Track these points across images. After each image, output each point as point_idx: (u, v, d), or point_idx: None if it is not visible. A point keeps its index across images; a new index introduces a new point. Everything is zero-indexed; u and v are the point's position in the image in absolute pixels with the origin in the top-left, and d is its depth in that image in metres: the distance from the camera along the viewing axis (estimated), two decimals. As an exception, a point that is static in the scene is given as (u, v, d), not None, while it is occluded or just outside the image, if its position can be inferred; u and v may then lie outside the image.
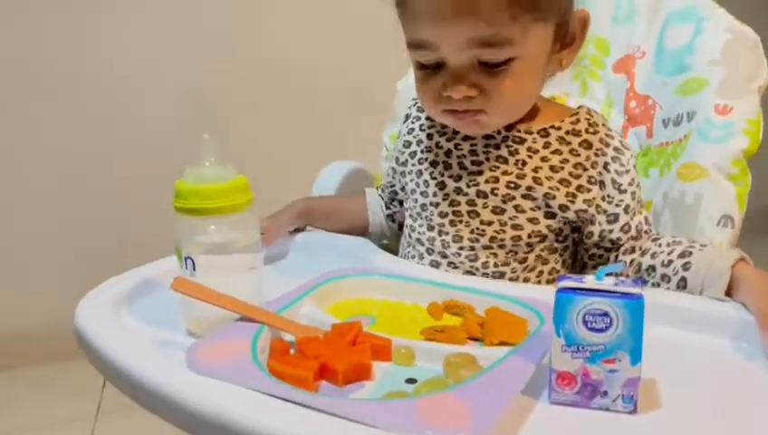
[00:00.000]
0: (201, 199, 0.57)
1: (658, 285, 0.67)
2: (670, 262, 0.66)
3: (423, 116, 0.77)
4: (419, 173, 0.75)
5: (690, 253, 0.65)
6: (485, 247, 0.70)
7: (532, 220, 0.69)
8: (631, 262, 0.69)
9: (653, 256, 0.68)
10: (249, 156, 1.61)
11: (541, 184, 0.68)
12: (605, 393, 0.45)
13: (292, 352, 0.52)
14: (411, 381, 0.49)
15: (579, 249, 0.73)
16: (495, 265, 0.70)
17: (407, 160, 0.77)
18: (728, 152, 0.72)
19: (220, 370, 0.47)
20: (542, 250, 0.70)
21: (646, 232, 0.71)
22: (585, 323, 0.44)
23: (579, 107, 0.72)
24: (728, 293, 0.60)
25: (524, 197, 0.68)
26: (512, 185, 0.68)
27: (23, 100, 1.65)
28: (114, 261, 0.74)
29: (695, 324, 0.57)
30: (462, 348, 0.52)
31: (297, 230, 0.84)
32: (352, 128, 1.76)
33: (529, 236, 0.69)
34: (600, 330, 0.44)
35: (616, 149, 0.69)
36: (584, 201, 0.68)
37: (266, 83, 1.83)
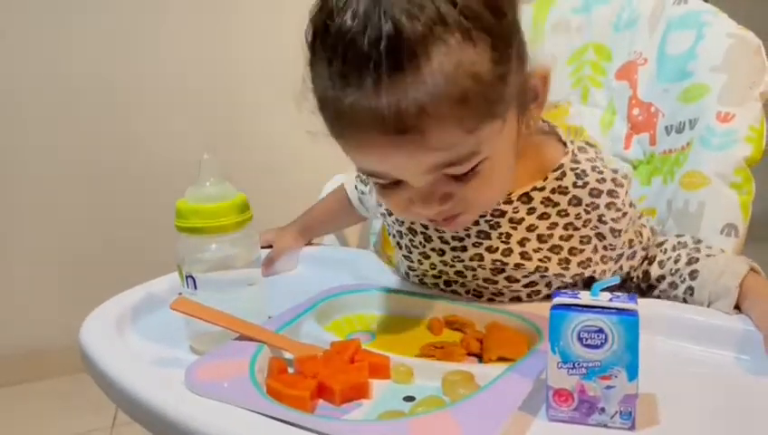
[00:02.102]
0: (202, 219, 0.58)
1: (666, 291, 0.66)
2: (677, 270, 0.65)
3: None
4: (400, 234, 0.69)
5: (697, 259, 0.64)
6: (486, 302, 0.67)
7: (528, 284, 0.65)
8: (644, 273, 0.68)
9: (660, 264, 0.67)
10: (254, 168, 1.64)
11: (530, 259, 0.63)
12: (602, 410, 0.45)
13: (290, 370, 0.52)
14: (409, 398, 0.49)
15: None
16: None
17: (386, 213, 0.71)
18: (730, 160, 0.71)
19: (218, 389, 0.47)
20: (550, 292, 0.66)
21: (658, 245, 0.69)
22: (580, 339, 0.44)
23: (559, 140, 0.64)
24: (736, 305, 0.59)
25: (516, 267, 0.63)
26: (498, 263, 0.63)
27: (33, 118, 1.67)
28: (131, 274, 0.75)
29: (695, 336, 0.56)
30: (460, 365, 0.52)
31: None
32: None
33: (529, 296, 0.65)
34: (596, 346, 0.44)
35: (610, 192, 0.61)
36: (578, 264, 0.63)
37: (271, 95, 1.84)
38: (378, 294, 0.65)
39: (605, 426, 0.45)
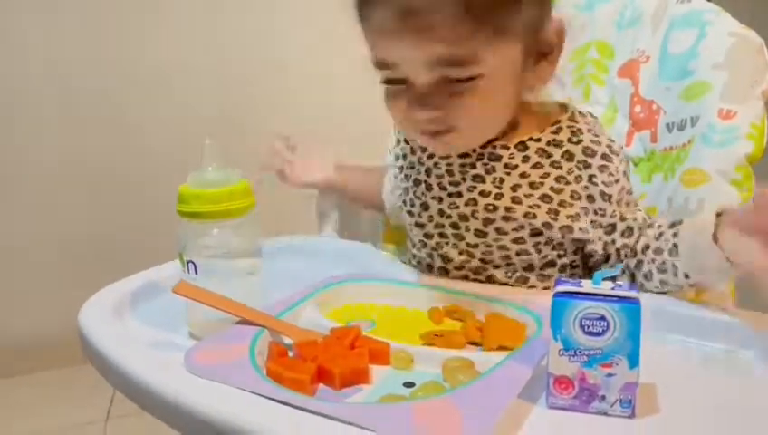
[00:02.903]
0: (203, 203, 0.58)
1: (653, 261, 0.64)
2: (661, 234, 0.64)
3: None
4: (406, 191, 0.74)
5: (680, 221, 0.63)
6: (480, 268, 0.69)
7: (516, 241, 0.67)
8: (632, 249, 0.67)
9: (646, 236, 0.66)
10: (255, 159, 1.64)
11: (520, 203, 0.65)
12: (603, 398, 0.45)
13: (290, 354, 0.52)
14: (409, 384, 0.49)
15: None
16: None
17: (398, 174, 0.77)
18: (731, 157, 0.71)
19: (218, 372, 0.47)
20: (542, 269, 0.68)
21: (649, 226, 0.68)
22: (582, 327, 0.44)
23: (562, 106, 0.69)
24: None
25: (504, 219, 0.66)
26: (490, 207, 0.66)
27: (25, 105, 1.67)
28: (128, 266, 0.75)
29: (696, 331, 0.56)
30: (460, 352, 0.52)
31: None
32: (359, 131, 1.76)
33: (518, 254, 0.67)
34: (598, 334, 0.44)
35: (603, 156, 0.65)
36: (567, 217, 0.65)
37: (274, 88, 1.84)
38: (379, 284, 0.65)
39: (605, 414, 0.45)
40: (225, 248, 0.59)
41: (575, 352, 0.45)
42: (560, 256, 0.68)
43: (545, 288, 0.68)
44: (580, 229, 0.65)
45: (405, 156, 0.75)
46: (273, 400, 0.44)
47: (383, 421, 0.40)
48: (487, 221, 0.67)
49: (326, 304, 0.62)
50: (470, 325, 0.57)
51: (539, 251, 0.67)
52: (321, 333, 0.54)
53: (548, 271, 0.69)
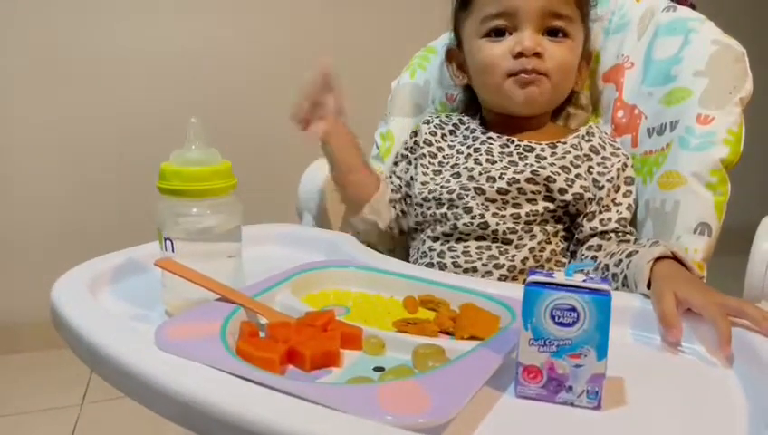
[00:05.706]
0: (184, 181, 0.57)
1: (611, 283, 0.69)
2: (620, 261, 0.67)
3: (447, 127, 0.88)
4: (428, 166, 0.84)
5: (637, 251, 0.66)
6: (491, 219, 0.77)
7: (530, 201, 0.77)
8: (594, 259, 0.74)
9: (611, 256, 0.70)
10: (240, 146, 1.63)
11: (544, 168, 0.77)
12: (570, 388, 0.45)
13: (262, 335, 0.52)
14: (379, 369, 0.49)
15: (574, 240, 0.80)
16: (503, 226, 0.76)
17: (415, 163, 0.86)
18: (707, 161, 0.71)
19: (187, 348, 0.46)
20: (540, 230, 0.77)
21: (615, 231, 0.76)
22: (553, 317, 0.45)
23: (589, 126, 0.83)
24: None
25: (528, 181, 0.76)
26: (518, 171, 0.77)
27: (18, 89, 1.65)
28: (104, 251, 0.74)
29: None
30: (432, 340, 0.52)
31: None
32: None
33: (527, 214, 0.77)
34: (568, 324, 0.45)
35: (604, 157, 0.80)
36: (581, 186, 0.77)
37: (260, 76, 1.84)
38: (356, 271, 0.65)
39: (571, 404, 0.45)
40: (204, 227, 0.59)
41: (545, 342, 0.45)
42: (555, 219, 0.78)
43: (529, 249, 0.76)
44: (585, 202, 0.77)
45: (440, 147, 0.86)
46: (241, 377, 0.43)
47: (349, 401, 0.40)
48: (512, 181, 0.77)
49: (302, 289, 0.62)
50: (443, 315, 0.57)
51: (544, 213, 0.77)
52: (296, 317, 0.54)
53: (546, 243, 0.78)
